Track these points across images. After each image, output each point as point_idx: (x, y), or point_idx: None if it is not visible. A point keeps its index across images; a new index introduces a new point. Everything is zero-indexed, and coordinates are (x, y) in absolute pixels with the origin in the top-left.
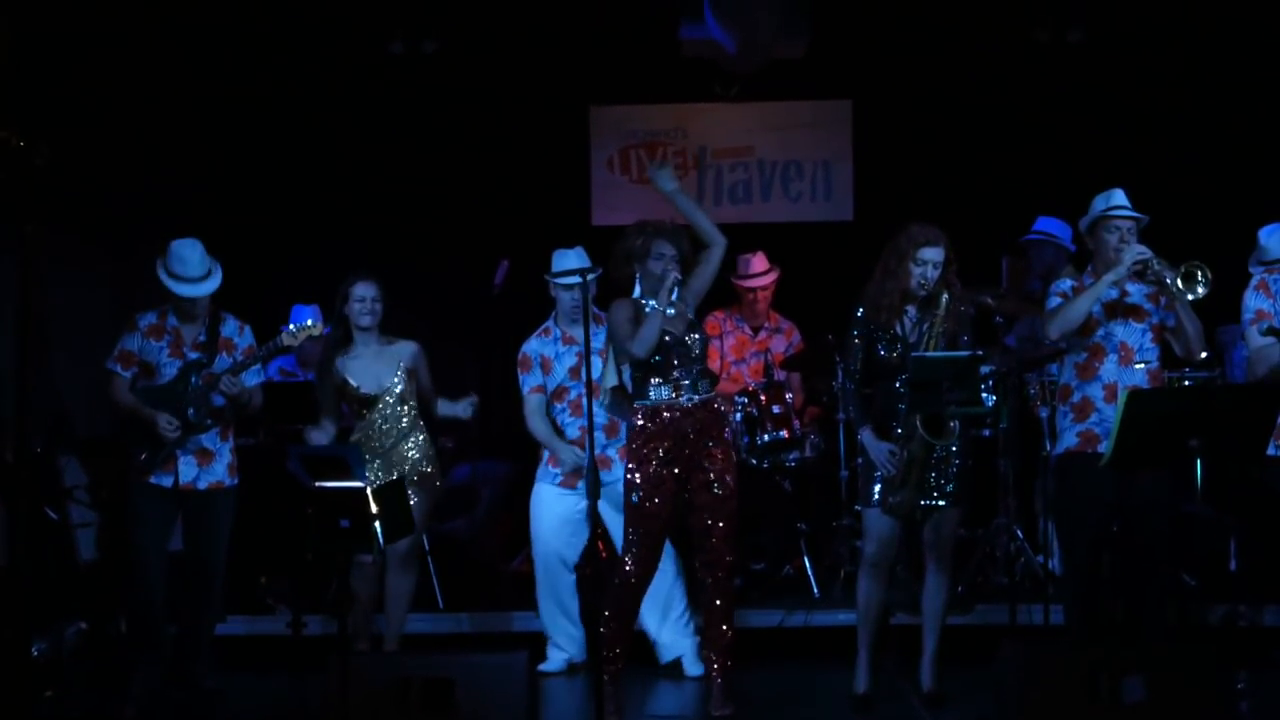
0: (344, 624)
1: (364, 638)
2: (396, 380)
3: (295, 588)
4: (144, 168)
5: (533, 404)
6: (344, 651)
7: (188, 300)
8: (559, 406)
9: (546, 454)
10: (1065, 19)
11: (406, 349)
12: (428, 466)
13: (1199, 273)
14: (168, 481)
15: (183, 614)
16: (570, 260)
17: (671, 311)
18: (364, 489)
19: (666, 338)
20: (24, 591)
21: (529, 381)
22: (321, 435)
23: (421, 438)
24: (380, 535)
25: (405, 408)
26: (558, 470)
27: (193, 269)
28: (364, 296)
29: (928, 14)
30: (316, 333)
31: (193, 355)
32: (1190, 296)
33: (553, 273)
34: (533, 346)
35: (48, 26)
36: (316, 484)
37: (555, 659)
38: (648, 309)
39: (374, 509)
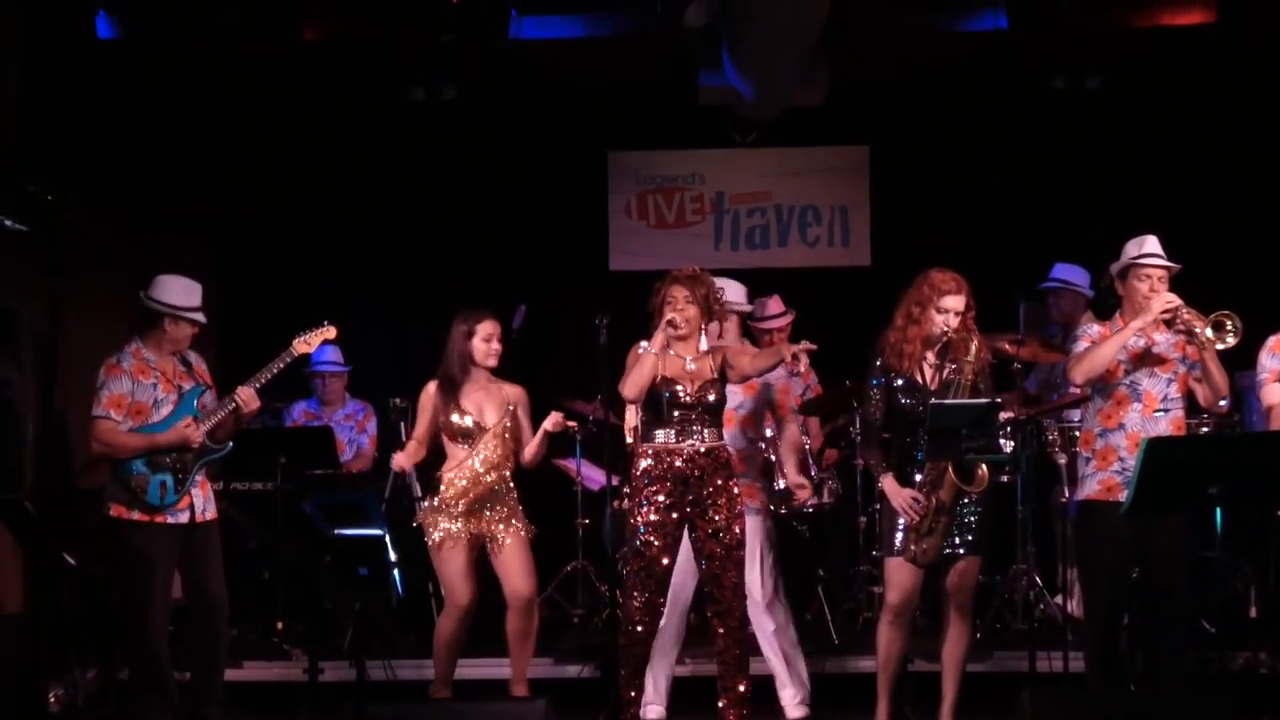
0: (363, 670)
1: (444, 684)
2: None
3: (312, 634)
4: (162, 214)
5: None
6: (360, 699)
7: (192, 333)
8: None
9: None
10: (1083, 67)
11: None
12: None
13: (1229, 322)
14: (184, 517)
15: (194, 658)
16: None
17: (692, 366)
18: (382, 538)
19: (676, 388)
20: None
21: None
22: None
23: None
24: (399, 584)
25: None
26: None
27: (197, 299)
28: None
29: (945, 61)
30: (332, 335)
31: (185, 386)
32: (1220, 346)
33: None
34: None
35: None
36: (334, 532)
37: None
38: (640, 350)
39: (394, 557)
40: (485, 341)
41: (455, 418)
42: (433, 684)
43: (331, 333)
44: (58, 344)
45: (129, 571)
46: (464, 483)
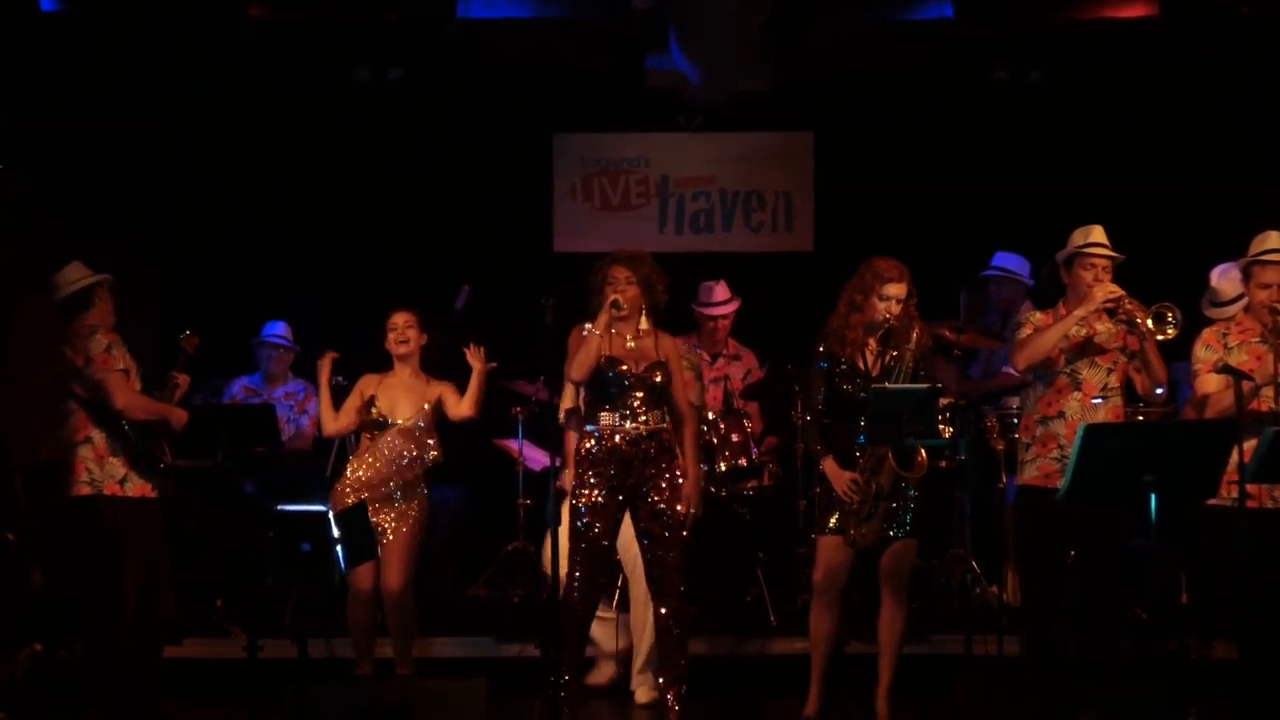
0: (304, 649)
1: (368, 661)
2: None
3: (252, 611)
4: (109, 194)
5: None
6: (301, 678)
7: None
8: None
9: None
10: (1027, 59)
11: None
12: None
13: (1170, 314)
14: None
15: (141, 638)
16: None
17: (631, 345)
18: (326, 513)
19: (621, 368)
20: None
21: None
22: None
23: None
24: (343, 560)
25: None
26: None
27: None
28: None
29: (891, 50)
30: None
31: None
32: (1160, 337)
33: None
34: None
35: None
36: (278, 507)
37: None
38: (584, 333)
39: (337, 534)
40: (392, 332)
41: (371, 410)
42: (356, 662)
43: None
44: (5, 319)
45: (96, 549)
46: (364, 474)
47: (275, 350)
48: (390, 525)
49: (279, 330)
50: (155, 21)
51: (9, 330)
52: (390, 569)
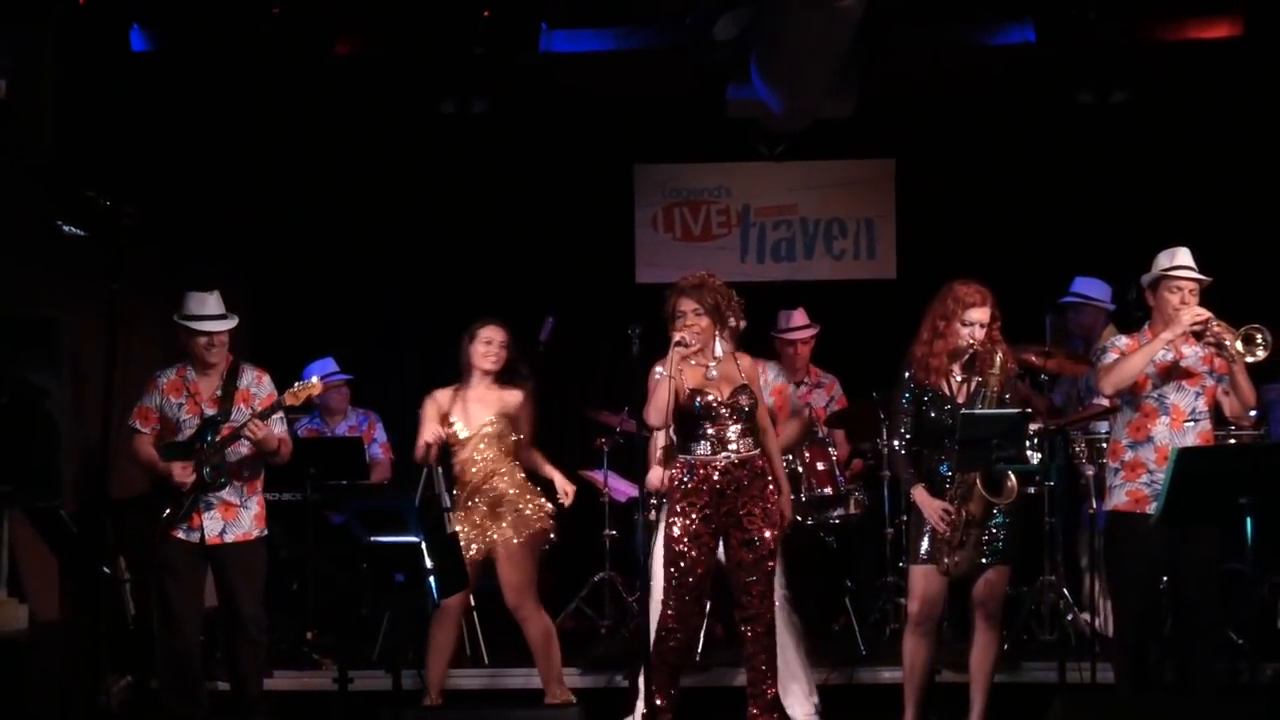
0: (398, 678)
1: (437, 691)
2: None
3: (342, 643)
4: (196, 228)
5: None
6: (397, 706)
7: (204, 343)
8: None
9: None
10: (1110, 80)
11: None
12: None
13: (1259, 335)
14: (195, 537)
15: (231, 670)
16: None
17: (714, 374)
18: (419, 544)
19: (708, 398)
20: (82, 646)
21: None
22: None
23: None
24: (435, 590)
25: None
26: None
27: (210, 308)
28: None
29: (972, 74)
30: (318, 391)
31: (209, 411)
32: (1249, 359)
33: None
34: None
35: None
36: (372, 538)
37: None
38: (656, 376)
39: (429, 563)
40: (486, 344)
41: (451, 423)
42: (425, 691)
43: (317, 389)
44: (115, 351)
45: (158, 580)
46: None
47: (329, 389)
48: (498, 535)
49: (329, 368)
50: (244, 58)
51: (118, 364)
52: (504, 580)
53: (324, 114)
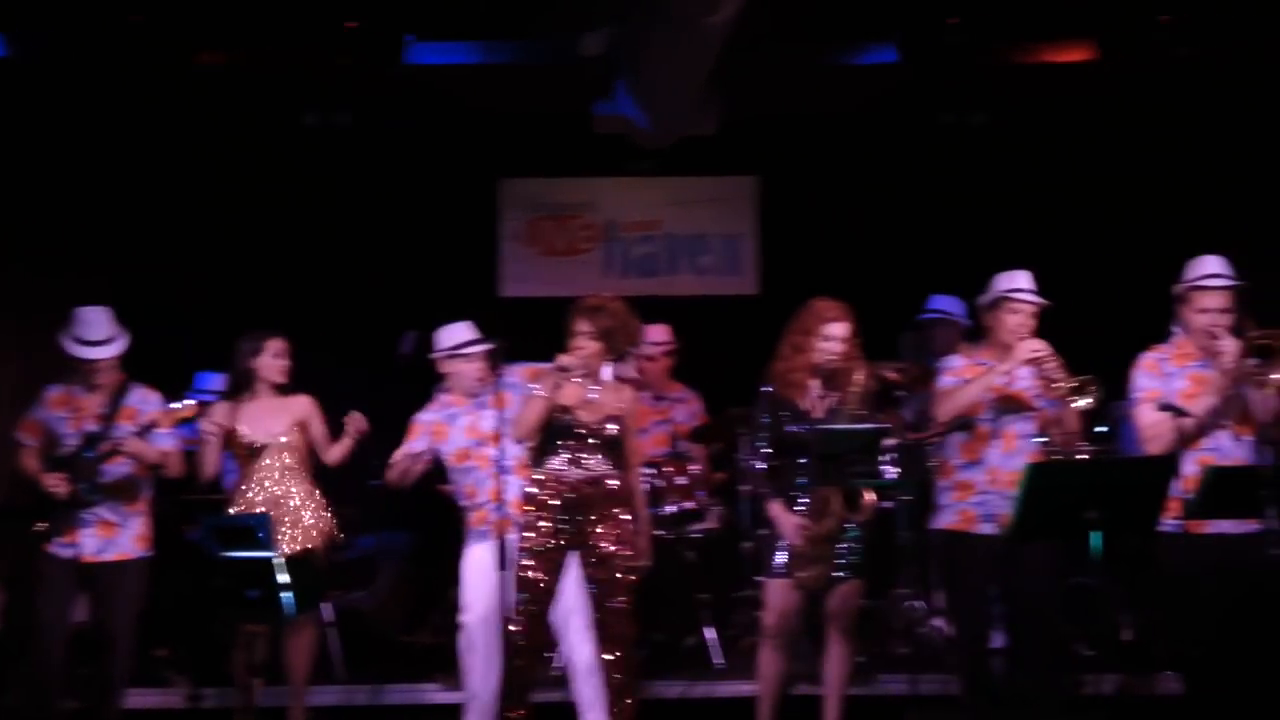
0: (250, 696)
1: (251, 712)
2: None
3: (193, 660)
4: (53, 236)
5: None
6: None
7: (89, 366)
8: None
9: (472, 515)
10: (970, 102)
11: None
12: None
13: (1091, 388)
14: (68, 553)
15: (87, 688)
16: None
17: (593, 397)
18: (273, 560)
19: (578, 417)
20: None
21: None
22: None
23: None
24: (290, 607)
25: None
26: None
27: (95, 332)
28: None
29: (835, 94)
30: (189, 414)
31: (90, 428)
32: (1074, 404)
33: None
34: None
35: None
36: (225, 554)
37: None
38: (528, 390)
39: (284, 579)
40: (274, 357)
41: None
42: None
43: (191, 411)
44: None
45: (31, 593)
46: (253, 496)
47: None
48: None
49: (210, 382)
50: (102, 68)
51: None
52: None
53: (185, 124)
